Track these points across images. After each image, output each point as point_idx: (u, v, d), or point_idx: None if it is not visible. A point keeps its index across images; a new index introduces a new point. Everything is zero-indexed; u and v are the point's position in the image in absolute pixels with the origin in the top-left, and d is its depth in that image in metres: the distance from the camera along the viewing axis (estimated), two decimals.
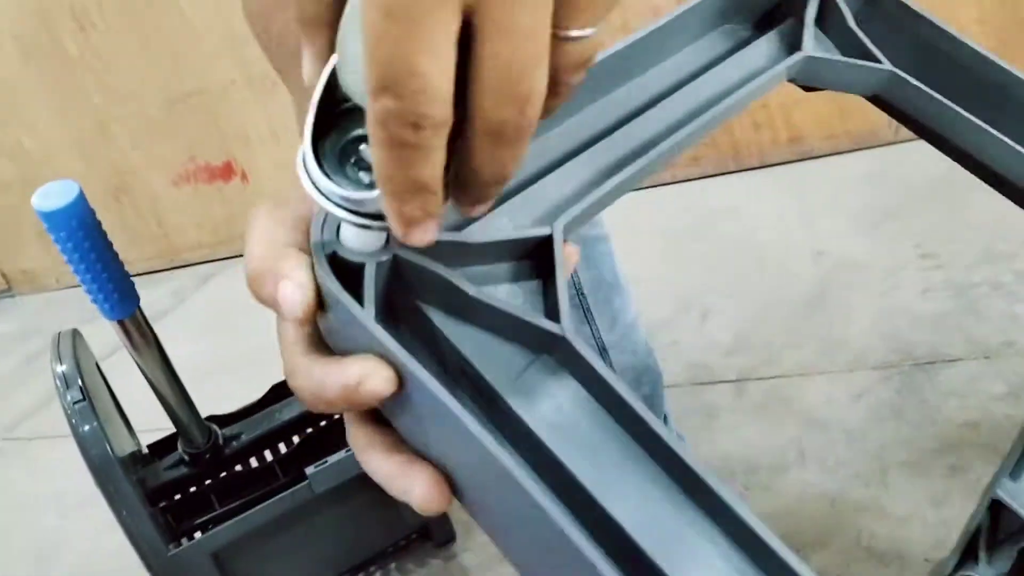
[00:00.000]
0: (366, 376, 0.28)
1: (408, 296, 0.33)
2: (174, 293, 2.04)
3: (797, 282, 1.32)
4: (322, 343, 0.31)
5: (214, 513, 0.87)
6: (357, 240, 0.31)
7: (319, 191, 0.29)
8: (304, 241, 0.32)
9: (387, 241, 0.31)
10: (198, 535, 0.87)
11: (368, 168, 0.30)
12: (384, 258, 0.31)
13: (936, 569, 0.76)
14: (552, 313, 0.34)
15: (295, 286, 0.30)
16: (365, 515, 0.94)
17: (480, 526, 0.32)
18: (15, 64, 2.06)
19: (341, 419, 0.95)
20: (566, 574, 0.28)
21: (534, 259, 0.35)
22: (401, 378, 0.29)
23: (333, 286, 0.31)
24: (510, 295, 0.35)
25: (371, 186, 0.29)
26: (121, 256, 0.73)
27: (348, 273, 0.31)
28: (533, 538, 0.29)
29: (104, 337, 0.96)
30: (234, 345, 1.68)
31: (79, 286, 0.72)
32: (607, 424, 0.33)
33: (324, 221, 0.32)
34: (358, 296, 0.31)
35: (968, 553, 0.70)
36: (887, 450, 0.99)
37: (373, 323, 0.30)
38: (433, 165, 0.26)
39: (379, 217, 0.29)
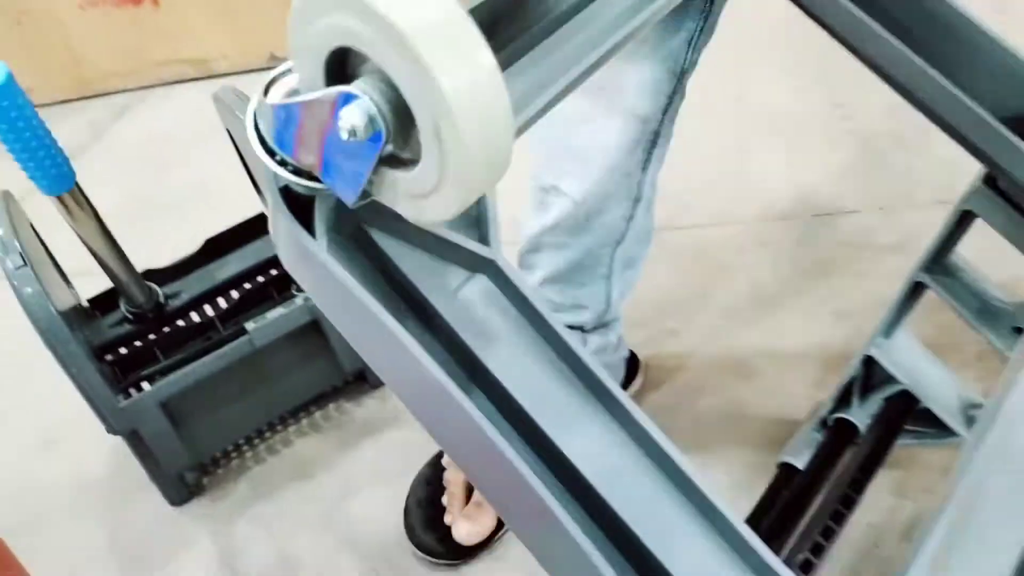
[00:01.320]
0: None
1: (354, 217, 0.37)
2: (90, 125, 1.97)
3: (715, 131, 1.36)
4: None
5: (160, 366, 0.90)
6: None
7: (267, 151, 0.32)
8: None
9: None
10: (146, 386, 0.90)
11: None
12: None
13: (815, 409, 0.88)
14: (483, 237, 0.39)
15: None
16: (305, 363, 0.99)
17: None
18: None
19: (280, 276, 0.98)
20: (483, 460, 0.34)
21: None
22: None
23: (287, 221, 0.34)
24: None
25: None
26: (30, 85, 0.70)
27: (300, 201, 0.35)
28: (456, 432, 0.34)
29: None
30: (159, 183, 1.66)
31: None
32: (535, 341, 0.38)
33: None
34: (309, 224, 0.35)
35: (843, 400, 0.80)
36: (782, 298, 1.09)
37: (326, 255, 0.34)
38: None
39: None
